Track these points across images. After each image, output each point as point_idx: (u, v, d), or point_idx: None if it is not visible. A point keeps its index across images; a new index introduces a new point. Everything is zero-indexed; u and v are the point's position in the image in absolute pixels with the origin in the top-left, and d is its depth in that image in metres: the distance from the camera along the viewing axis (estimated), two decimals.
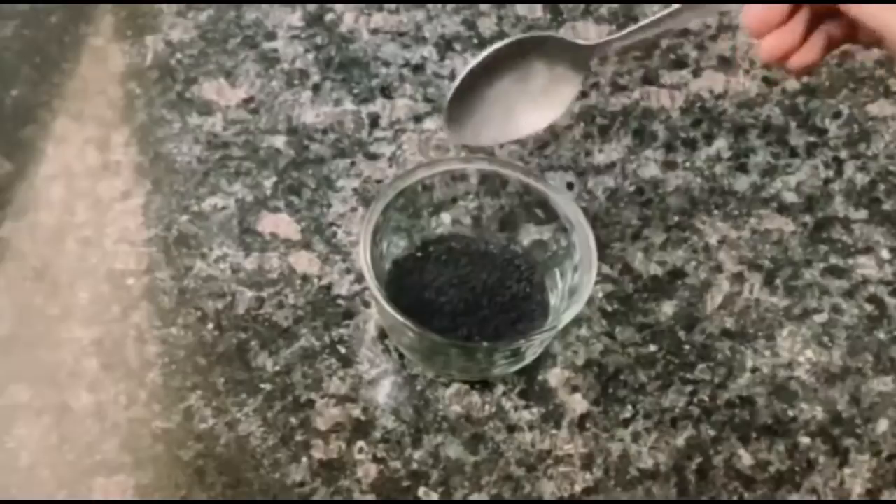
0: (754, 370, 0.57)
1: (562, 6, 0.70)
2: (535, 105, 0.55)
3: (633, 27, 0.53)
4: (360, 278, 0.58)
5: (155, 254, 0.59)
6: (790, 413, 0.56)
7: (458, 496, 0.53)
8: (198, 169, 0.62)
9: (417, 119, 0.65)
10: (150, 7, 0.68)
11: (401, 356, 0.56)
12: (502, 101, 0.54)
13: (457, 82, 0.53)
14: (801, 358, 0.57)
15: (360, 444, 0.54)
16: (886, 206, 0.63)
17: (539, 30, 0.68)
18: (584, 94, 0.66)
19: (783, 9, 0.47)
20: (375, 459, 0.53)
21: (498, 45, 0.52)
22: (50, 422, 0.53)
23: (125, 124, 0.63)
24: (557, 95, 0.56)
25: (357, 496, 0.52)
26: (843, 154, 0.65)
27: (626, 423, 0.55)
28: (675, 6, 0.51)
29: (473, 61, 0.52)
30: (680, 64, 0.68)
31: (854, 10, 0.45)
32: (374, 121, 0.64)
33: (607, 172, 0.63)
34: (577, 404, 0.55)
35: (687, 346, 0.57)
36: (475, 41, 0.68)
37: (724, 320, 0.58)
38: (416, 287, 0.56)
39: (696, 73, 0.68)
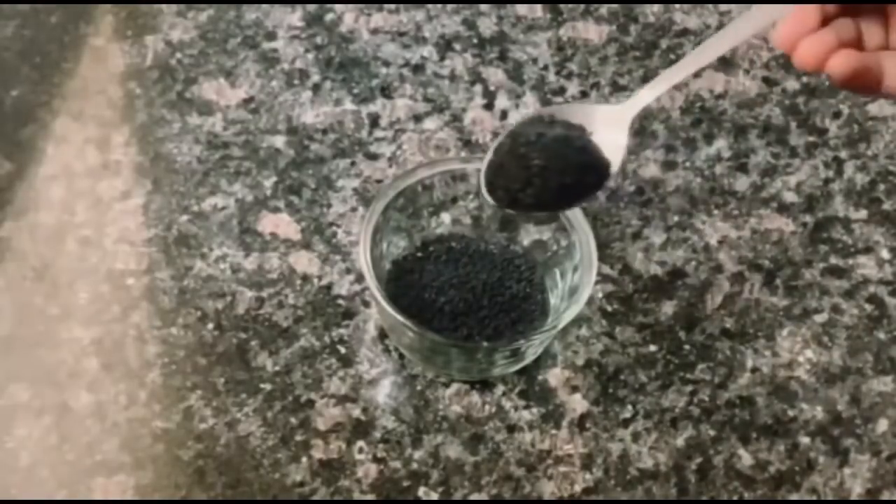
0: (754, 370, 0.57)
1: (562, 6, 0.70)
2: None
3: (662, 80, 0.47)
4: (360, 278, 0.58)
5: (155, 254, 0.59)
6: (790, 413, 0.56)
7: (458, 496, 0.53)
8: (198, 169, 0.62)
9: (417, 119, 0.65)
10: (150, 7, 0.68)
11: (401, 356, 0.56)
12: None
13: (488, 156, 0.49)
14: (801, 358, 0.57)
15: (360, 444, 0.54)
16: (886, 206, 0.63)
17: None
18: (583, 94, 0.66)
19: (813, 20, 0.44)
20: (375, 459, 0.53)
21: (523, 119, 0.49)
22: (50, 422, 0.53)
23: (125, 124, 0.63)
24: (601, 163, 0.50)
25: (357, 496, 0.52)
26: (843, 154, 0.65)
27: (626, 423, 0.55)
28: (698, 49, 0.47)
29: (500, 137, 0.49)
30: None
31: None
32: (374, 121, 0.64)
33: None
34: (577, 404, 0.55)
35: (687, 346, 0.57)
36: (475, 41, 0.68)
37: (724, 320, 0.58)
38: (416, 287, 0.56)
39: (696, 73, 0.67)
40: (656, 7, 0.70)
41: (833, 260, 0.61)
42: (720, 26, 0.70)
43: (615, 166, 0.49)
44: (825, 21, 0.45)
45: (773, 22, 0.45)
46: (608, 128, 0.49)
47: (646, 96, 0.49)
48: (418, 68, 0.67)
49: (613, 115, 0.49)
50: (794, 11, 0.44)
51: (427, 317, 0.54)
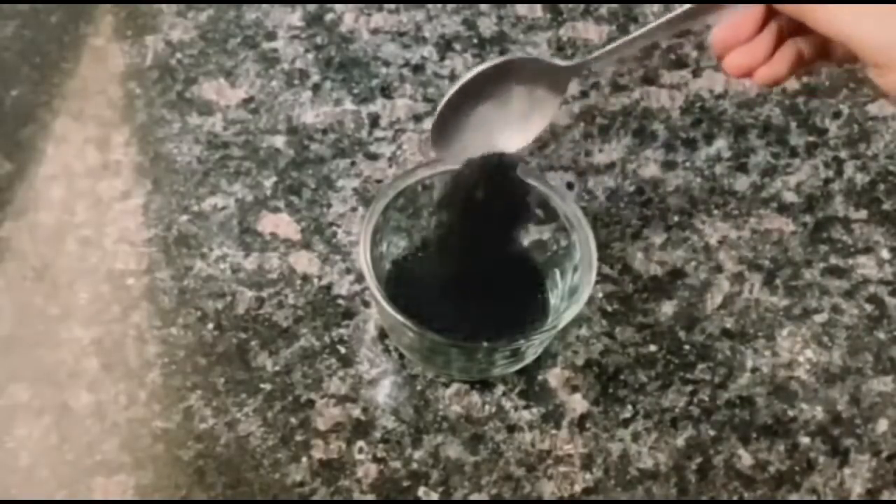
0: (754, 370, 0.57)
1: (562, 6, 0.70)
2: (514, 128, 0.54)
3: (607, 47, 0.52)
4: (360, 278, 0.58)
5: (155, 254, 0.59)
6: (790, 413, 0.56)
7: (458, 496, 0.53)
8: (198, 169, 0.62)
9: (417, 119, 0.65)
10: (150, 7, 0.68)
11: (401, 356, 0.56)
12: (483, 124, 0.54)
13: (440, 107, 0.52)
14: (801, 358, 0.57)
15: (360, 444, 0.54)
16: (886, 206, 0.63)
17: (533, 35, 0.69)
18: (584, 94, 0.66)
19: (748, 30, 0.47)
20: (375, 459, 0.53)
21: (477, 68, 0.52)
22: (50, 422, 0.53)
23: (125, 124, 0.63)
24: (535, 118, 0.54)
25: (357, 496, 0.52)
26: (843, 154, 0.65)
27: (626, 423, 0.55)
28: (647, 26, 0.51)
29: (453, 87, 0.52)
30: (680, 64, 0.68)
31: (808, 13, 0.44)
32: (374, 121, 0.64)
33: (607, 172, 0.63)
34: (577, 404, 0.55)
35: (687, 346, 0.57)
36: (475, 41, 0.68)
37: (724, 320, 0.58)
38: (416, 287, 0.56)
39: (696, 73, 0.68)
40: (656, 7, 0.70)
41: (833, 260, 0.61)
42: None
43: (545, 123, 0.55)
44: (771, 14, 0.46)
45: (721, 14, 0.47)
46: (550, 83, 0.53)
47: (589, 64, 0.53)
48: (418, 68, 0.67)
49: (559, 73, 0.53)
50: (731, 18, 0.47)
51: (427, 317, 0.54)
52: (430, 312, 0.55)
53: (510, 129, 0.54)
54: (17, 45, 0.66)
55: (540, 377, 0.56)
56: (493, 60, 0.52)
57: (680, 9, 0.49)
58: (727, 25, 0.47)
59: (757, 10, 0.46)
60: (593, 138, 0.64)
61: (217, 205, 0.61)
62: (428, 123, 0.64)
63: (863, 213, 0.63)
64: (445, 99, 0.52)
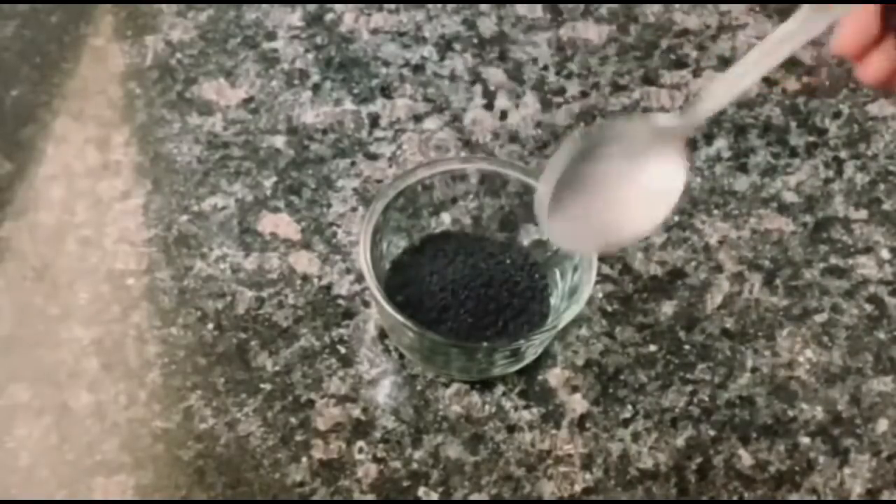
0: (754, 370, 0.57)
1: (562, 6, 0.70)
2: (646, 197, 0.44)
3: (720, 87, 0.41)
4: (360, 278, 0.58)
5: (155, 254, 0.59)
6: (790, 413, 0.56)
7: (458, 496, 0.53)
8: (198, 169, 0.62)
9: (417, 119, 0.65)
10: (150, 7, 0.68)
11: (401, 356, 0.56)
12: (606, 191, 0.43)
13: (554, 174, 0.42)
14: (801, 358, 0.57)
15: (360, 444, 0.54)
16: (886, 206, 0.63)
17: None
18: (584, 94, 0.66)
19: (872, 26, 0.40)
20: (375, 459, 0.53)
21: (585, 132, 0.44)
22: (50, 422, 0.53)
23: (125, 124, 0.63)
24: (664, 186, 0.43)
25: (357, 496, 0.52)
26: (843, 154, 0.65)
27: (626, 423, 0.55)
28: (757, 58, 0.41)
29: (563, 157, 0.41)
30: (680, 64, 0.68)
31: None
32: (374, 121, 0.64)
33: None
34: (577, 404, 0.55)
35: (687, 346, 0.57)
36: (475, 41, 0.68)
37: (724, 320, 0.58)
38: (416, 287, 0.56)
39: (696, 73, 0.68)
40: (656, 7, 0.70)
41: (833, 260, 0.61)
42: (720, 26, 0.70)
43: (676, 195, 0.43)
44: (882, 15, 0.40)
45: (831, 24, 0.40)
46: (662, 150, 0.42)
47: (705, 108, 0.42)
48: (418, 68, 0.67)
49: (667, 132, 0.41)
50: (850, 15, 0.40)
51: (427, 317, 0.54)
52: (431, 312, 0.55)
53: (640, 197, 0.44)
54: (17, 45, 0.66)
55: (540, 377, 0.56)
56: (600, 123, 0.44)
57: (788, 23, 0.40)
58: (850, 25, 0.40)
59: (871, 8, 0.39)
60: None
61: (217, 205, 0.61)
62: (428, 123, 0.64)
63: (863, 213, 0.63)
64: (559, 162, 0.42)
